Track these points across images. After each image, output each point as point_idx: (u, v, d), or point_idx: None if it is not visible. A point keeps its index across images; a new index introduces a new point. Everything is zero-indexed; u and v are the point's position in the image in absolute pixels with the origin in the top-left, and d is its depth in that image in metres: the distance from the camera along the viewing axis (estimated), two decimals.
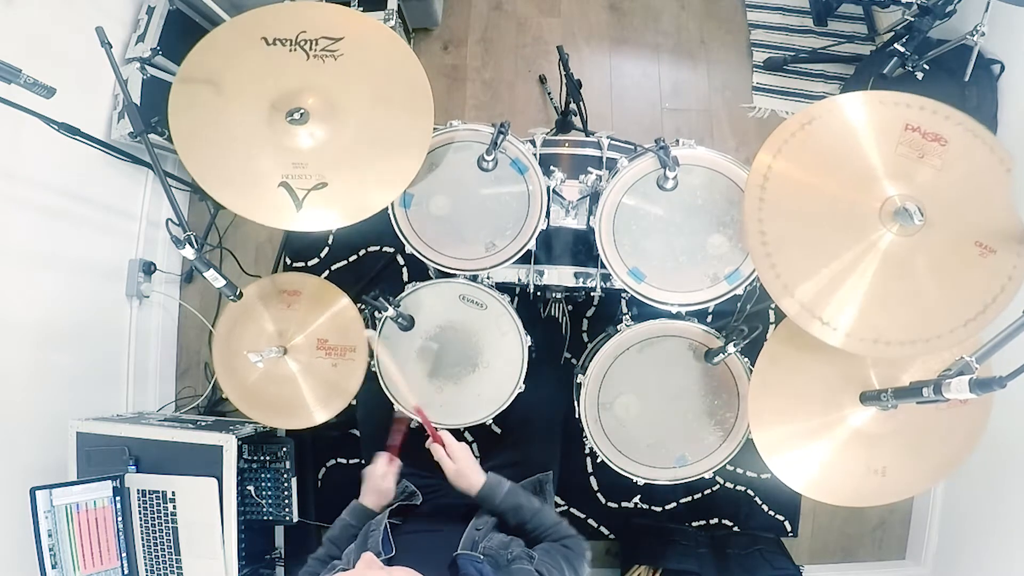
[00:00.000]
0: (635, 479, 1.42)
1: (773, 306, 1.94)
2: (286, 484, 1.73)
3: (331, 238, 2.18)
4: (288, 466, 1.72)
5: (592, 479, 2.03)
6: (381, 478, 1.26)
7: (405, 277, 2.11)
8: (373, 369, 1.46)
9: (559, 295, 1.86)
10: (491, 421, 1.47)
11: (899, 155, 1.08)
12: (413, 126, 1.25)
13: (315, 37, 1.25)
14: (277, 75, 1.25)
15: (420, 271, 1.58)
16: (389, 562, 0.98)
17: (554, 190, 1.44)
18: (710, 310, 1.54)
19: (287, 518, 1.73)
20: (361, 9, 1.97)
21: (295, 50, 1.25)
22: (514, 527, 1.14)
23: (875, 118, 1.10)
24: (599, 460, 1.44)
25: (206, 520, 1.54)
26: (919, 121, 1.08)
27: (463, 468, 1.19)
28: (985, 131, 1.09)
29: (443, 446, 1.21)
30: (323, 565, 1.13)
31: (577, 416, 1.45)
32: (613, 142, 1.52)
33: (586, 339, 2.07)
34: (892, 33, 2.01)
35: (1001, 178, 1.07)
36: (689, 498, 2.05)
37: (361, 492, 1.29)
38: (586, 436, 1.44)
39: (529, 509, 1.17)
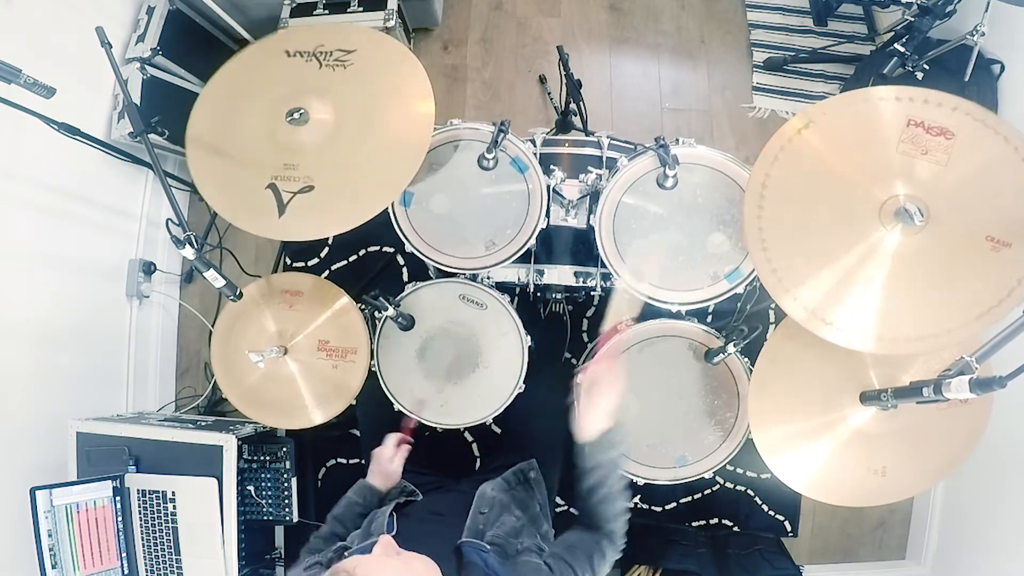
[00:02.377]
0: (635, 479, 1.42)
1: (773, 306, 1.93)
2: (286, 484, 1.73)
3: (331, 238, 2.18)
4: (288, 466, 1.72)
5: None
6: (389, 460, 1.26)
7: (405, 277, 2.11)
8: (373, 369, 1.46)
9: (559, 295, 1.86)
10: (491, 421, 1.47)
11: (901, 153, 1.06)
12: (414, 128, 1.25)
13: (331, 49, 1.29)
14: (288, 81, 1.29)
15: (420, 271, 1.58)
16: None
17: (554, 189, 1.44)
18: (710, 309, 1.55)
19: (287, 518, 1.73)
20: (361, 9, 1.97)
21: (310, 60, 1.29)
22: (590, 487, 1.05)
23: (876, 115, 1.07)
24: None
25: (206, 520, 1.54)
26: (923, 116, 1.05)
27: (597, 400, 1.06)
28: (997, 119, 1.04)
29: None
30: (326, 543, 1.11)
31: None
32: (613, 142, 1.52)
33: (586, 339, 2.07)
34: (892, 33, 2.01)
35: (1015, 167, 1.03)
36: (689, 498, 2.05)
37: (368, 472, 1.28)
38: None
39: (607, 491, 1.05)
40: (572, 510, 2.00)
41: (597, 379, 1.07)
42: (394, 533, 0.97)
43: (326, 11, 2.00)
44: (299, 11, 2.02)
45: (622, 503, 1.06)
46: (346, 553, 0.97)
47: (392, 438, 1.29)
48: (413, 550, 0.85)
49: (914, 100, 1.06)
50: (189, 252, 1.15)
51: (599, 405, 1.06)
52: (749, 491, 2.05)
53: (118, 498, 1.55)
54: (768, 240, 1.06)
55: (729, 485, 2.05)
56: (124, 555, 1.54)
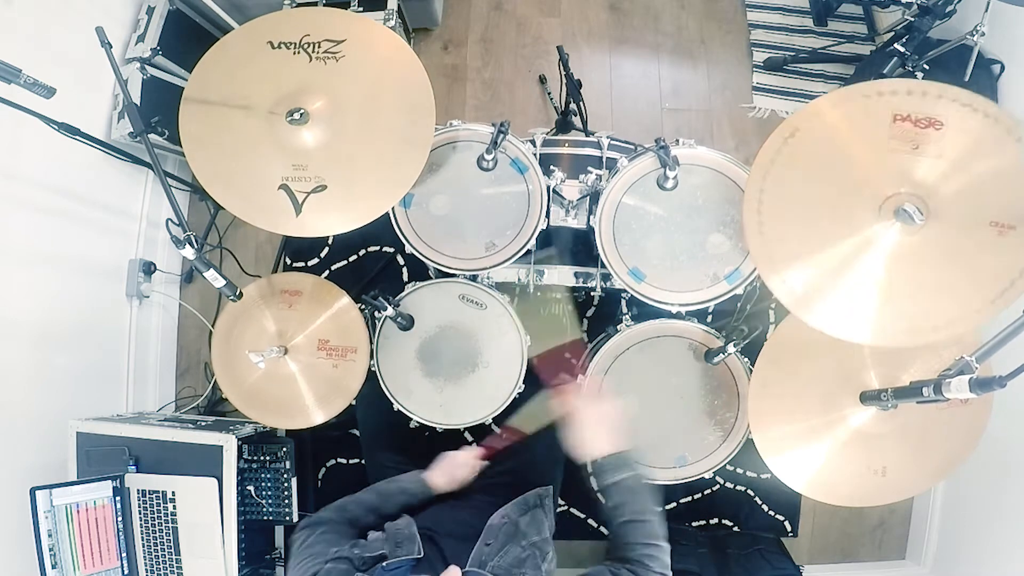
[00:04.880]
0: None
1: (773, 306, 1.93)
2: (286, 484, 1.73)
3: (331, 238, 2.18)
4: (288, 466, 1.72)
5: (592, 479, 2.03)
6: (460, 467, 1.26)
7: (405, 277, 2.11)
8: (373, 369, 1.46)
9: (559, 295, 1.86)
10: (491, 421, 1.47)
11: (891, 150, 1.04)
12: (414, 127, 1.25)
13: (318, 40, 1.26)
14: (281, 78, 1.26)
15: (420, 271, 1.57)
16: (418, 562, 0.98)
17: (554, 190, 1.44)
18: (710, 310, 1.55)
19: (287, 518, 1.73)
20: (361, 9, 1.97)
21: (299, 53, 1.26)
22: (610, 508, 1.07)
23: (861, 114, 1.05)
24: None
25: (206, 520, 1.54)
26: (908, 109, 1.03)
27: (592, 423, 1.12)
28: (986, 102, 1.01)
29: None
30: (351, 527, 1.12)
31: None
32: (613, 142, 1.52)
33: (586, 339, 2.07)
34: (892, 33, 2.01)
35: (1010, 149, 1.00)
36: (689, 498, 2.05)
37: (431, 467, 1.27)
38: None
39: (634, 508, 1.06)
40: (573, 510, 2.01)
41: (583, 407, 1.13)
42: (421, 556, 1.00)
43: None
44: None
45: (649, 529, 1.03)
46: (384, 565, 0.98)
47: (474, 450, 1.29)
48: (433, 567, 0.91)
49: (897, 93, 1.04)
50: (189, 252, 1.15)
51: (596, 429, 1.11)
52: (749, 491, 2.05)
53: (118, 498, 1.54)
54: (769, 238, 1.07)
55: (729, 485, 2.04)
56: (124, 555, 1.54)
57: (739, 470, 2.03)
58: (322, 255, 2.18)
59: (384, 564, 0.98)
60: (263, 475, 1.72)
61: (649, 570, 0.98)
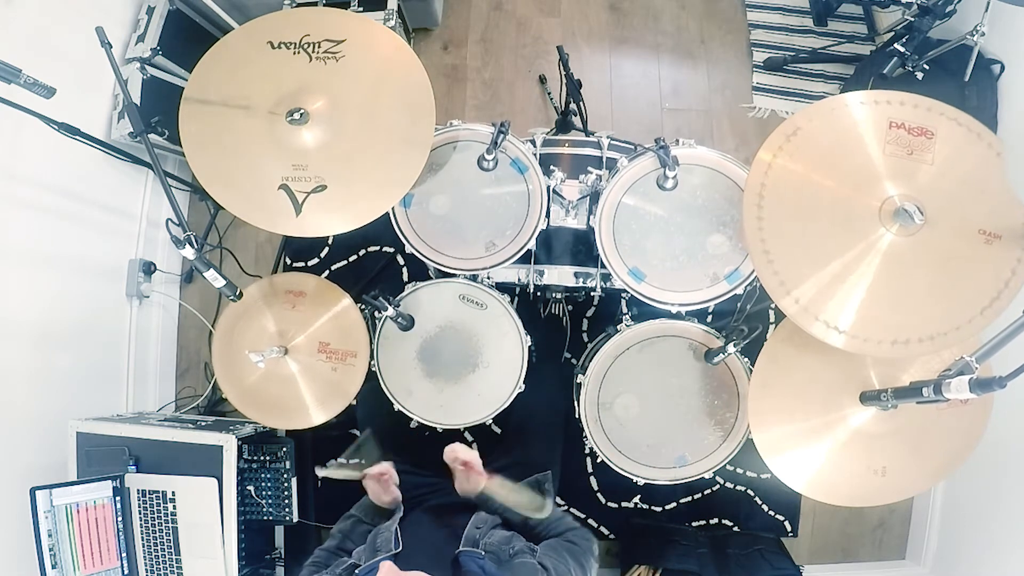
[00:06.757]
0: (635, 479, 1.42)
1: (773, 306, 1.93)
2: (286, 484, 1.73)
3: (331, 238, 2.18)
4: (288, 466, 1.72)
5: (592, 479, 2.03)
6: (383, 494, 1.27)
7: (405, 277, 2.11)
8: (373, 369, 1.46)
9: (559, 295, 1.86)
10: (491, 421, 1.47)
11: (888, 154, 1.07)
12: (414, 127, 1.25)
13: (318, 40, 1.26)
14: (281, 78, 1.26)
15: (420, 271, 1.58)
16: (396, 557, 1.00)
17: (554, 190, 1.44)
18: (710, 310, 1.55)
19: (287, 518, 1.73)
20: (361, 9, 1.97)
21: (299, 53, 1.26)
22: (518, 525, 1.16)
23: (860, 119, 1.09)
24: (599, 460, 1.44)
25: (206, 520, 1.54)
26: (902, 117, 1.08)
27: (472, 478, 1.22)
28: (969, 119, 1.08)
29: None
30: (333, 556, 1.15)
31: (577, 416, 1.45)
32: (613, 142, 1.52)
33: (586, 339, 2.07)
34: (892, 33, 2.01)
35: (993, 163, 1.06)
36: (689, 498, 2.05)
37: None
38: (586, 436, 1.44)
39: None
40: (573, 510, 2.01)
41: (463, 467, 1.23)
42: (399, 550, 1.01)
43: None
44: None
45: (553, 510, 1.19)
46: (356, 572, 1.01)
47: (371, 479, 1.29)
48: (414, 563, 0.90)
49: (891, 103, 1.09)
50: (189, 252, 1.15)
51: (470, 478, 1.22)
52: (749, 491, 2.05)
53: (118, 498, 1.54)
54: (768, 242, 1.07)
55: (729, 485, 2.05)
56: (124, 555, 1.54)
57: (739, 470, 2.03)
58: (322, 255, 2.18)
59: (356, 572, 1.01)
60: (263, 475, 1.72)
61: (578, 529, 1.15)
